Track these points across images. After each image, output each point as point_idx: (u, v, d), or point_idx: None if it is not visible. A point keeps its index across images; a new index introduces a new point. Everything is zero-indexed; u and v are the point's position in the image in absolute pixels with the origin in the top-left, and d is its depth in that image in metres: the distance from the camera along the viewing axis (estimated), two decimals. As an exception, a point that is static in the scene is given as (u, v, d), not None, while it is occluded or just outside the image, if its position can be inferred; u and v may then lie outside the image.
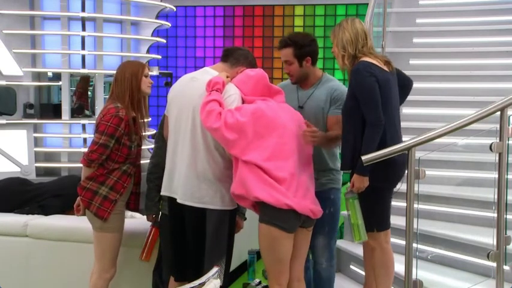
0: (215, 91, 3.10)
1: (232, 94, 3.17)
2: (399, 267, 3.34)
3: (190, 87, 3.25)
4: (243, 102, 3.20)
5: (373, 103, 3.17)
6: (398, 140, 3.28)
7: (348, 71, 3.40)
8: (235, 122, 3.03)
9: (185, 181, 3.18)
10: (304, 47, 3.42)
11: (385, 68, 3.31)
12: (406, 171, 3.06)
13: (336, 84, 3.52)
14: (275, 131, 3.10)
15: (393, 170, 3.23)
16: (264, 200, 3.03)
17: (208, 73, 3.27)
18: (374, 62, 3.27)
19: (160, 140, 3.60)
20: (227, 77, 3.23)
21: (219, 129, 3.01)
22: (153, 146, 3.84)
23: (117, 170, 3.48)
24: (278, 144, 3.09)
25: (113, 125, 3.40)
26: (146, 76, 3.57)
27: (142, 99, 3.59)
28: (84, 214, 3.57)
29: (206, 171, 3.16)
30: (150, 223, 3.71)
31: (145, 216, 3.72)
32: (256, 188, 3.02)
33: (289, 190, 3.06)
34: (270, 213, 3.06)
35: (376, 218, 3.29)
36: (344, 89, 3.44)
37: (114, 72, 3.65)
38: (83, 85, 6.31)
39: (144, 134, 3.70)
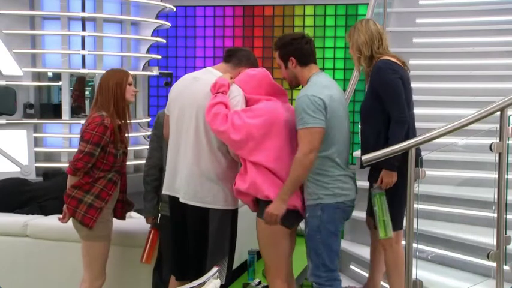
0: (221, 93, 3.10)
1: (236, 95, 3.16)
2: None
3: (193, 87, 3.24)
4: (247, 101, 3.19)
5: (398, 99, 3.20)
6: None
7: (365, 72, 3.40)
8: (242, 124, 3.03)
9: (188, 181, 3.18)
10: (284, 47, 3.18)
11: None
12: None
13: (300, 94, 3.10)
14: (281, 131, 3.10)
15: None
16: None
17: (211, 73, 3.27)
18: (394, 60, 3.30)
19: (155, 141, 3.60)
20: (230, 78, 3.23)
21: (226, 132, 3.01)
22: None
23: (103, 179, 3.48)
24: (284, 145, 3.10)
25: (98, 133, 3.40)
26: (130, 84, 3.58)
27: (127, 107, 3.59)
28: (67, 221, 3.54)
29: (210, 171, 3.16)
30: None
31: (143, 216, 3.72)
32: (267, 188, 3.04)
33: (295, 192, 3.08)
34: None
35: (393, 217, 3.28)
36: (300, 97, 3.04)
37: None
38: (79, 86, 6.32)
39: (128, 135, 3.67)
